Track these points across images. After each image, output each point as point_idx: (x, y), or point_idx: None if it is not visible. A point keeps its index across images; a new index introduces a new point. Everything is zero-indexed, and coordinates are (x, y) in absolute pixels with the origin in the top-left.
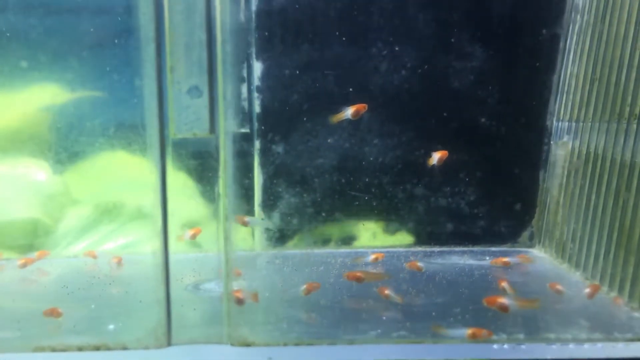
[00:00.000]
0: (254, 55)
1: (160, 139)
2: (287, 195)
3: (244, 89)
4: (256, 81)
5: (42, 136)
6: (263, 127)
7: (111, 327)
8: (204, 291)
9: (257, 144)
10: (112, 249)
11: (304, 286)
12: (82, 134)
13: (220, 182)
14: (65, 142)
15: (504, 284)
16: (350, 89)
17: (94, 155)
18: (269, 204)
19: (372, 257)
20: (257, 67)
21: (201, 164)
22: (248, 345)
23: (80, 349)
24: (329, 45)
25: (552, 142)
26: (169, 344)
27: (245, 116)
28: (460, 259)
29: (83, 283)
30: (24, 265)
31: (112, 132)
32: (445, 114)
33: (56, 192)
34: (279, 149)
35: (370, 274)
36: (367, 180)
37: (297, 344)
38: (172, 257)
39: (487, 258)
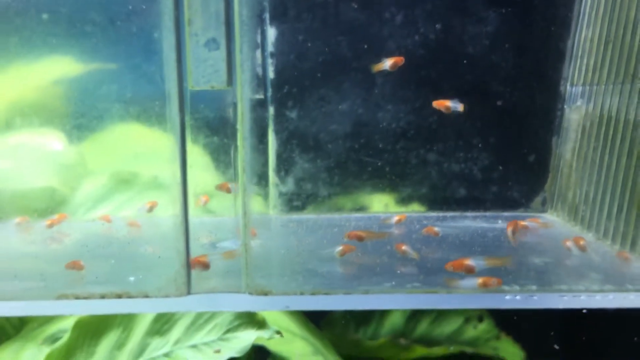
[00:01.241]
0: (267, 21)
1: (179, 91)
2: (301, 161)
3: (258, 54)
4: (270, 47)
5: (58, 107)
6: (277, 93)
7: (131, 279)
8: (220, 249)
9: (271, 110)
10: (127, 216)
11: (340, 247)
12: (96, 105)
13: (239, 134)
14: (80, 114)
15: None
16: (363, 55)
17: (109, 126)
18: (283, 170)
19: (397, 218)
20: (271, 33)
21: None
22: (266, 294)
23: (103, 296)
24: (342, 11)
25: (565, 107)
26: (189, 292)
27: (259, 82)
28: (473, 222)
29: (102, 243)
30: (50, 226)
31: (126, 103)
32: (458, 80)
33: (72, 162)
34: (293, 114)
35: (371, 233)
36: (380, 145)
37: (313, 294)
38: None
39: (500, 222)
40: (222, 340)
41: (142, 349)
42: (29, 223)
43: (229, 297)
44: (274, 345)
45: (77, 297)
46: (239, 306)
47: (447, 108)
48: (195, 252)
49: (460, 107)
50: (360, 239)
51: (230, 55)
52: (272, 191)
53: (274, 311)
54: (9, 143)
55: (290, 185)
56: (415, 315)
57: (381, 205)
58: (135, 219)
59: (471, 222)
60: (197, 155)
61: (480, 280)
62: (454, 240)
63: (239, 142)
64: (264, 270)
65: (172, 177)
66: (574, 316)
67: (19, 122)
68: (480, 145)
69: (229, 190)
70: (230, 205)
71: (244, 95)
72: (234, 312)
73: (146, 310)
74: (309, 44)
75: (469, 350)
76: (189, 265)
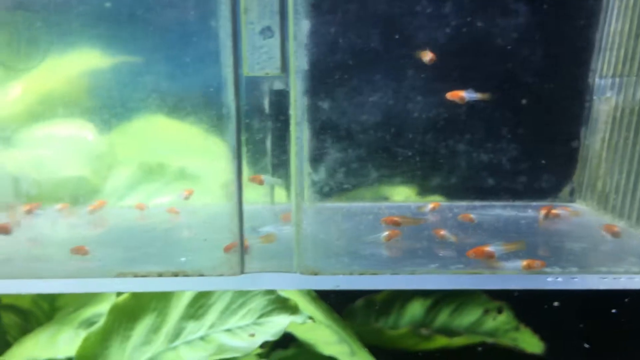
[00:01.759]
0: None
1: (235, 77)
2: (333, 151)
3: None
4: (304, 38)
5: (88, 99)
6: (310, 84)
7: (183, 259)
8: (262, 233)
9: (304, 100)
10: (163, 203)
11: (386, 233)
12: (124, 97)
13: (292, 120)
14: (109, 105)
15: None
16: (394, 47)
17: (137, 117)
18: (315, 159)
19: (431, 206)
20: (305, 24)
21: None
22: (316, 274)
23: (160, 275)
24: (374, 3)
25: (594, 98)
26: (242, 272)
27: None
28: (504, 211)
29: (144, 227)
30: (92, 212)
31: (153, 96)
32: (488, 72)
33: (102, 152)
34: (325, 105)
35: (407, 219)
36: (410, 136)
37: (361, 274)
38: (224, 208)
39: (530, 211)
40: (256, 325)
41: (177, 333)
42: (70, 209)
43: (280, 277)
44: (301, 332)
45: (135, 275)
46: (290, 284)
47: (462, 98)
48: (229, 237)
49: (477, 96)
50: (396, 224)
51: (285, 42)
52: (306, 180)
53: (300, 299)
54: (42, 133)
55: (322, 174)
56: (435, 306)
57: (410, 194)
58: (173, 206)
59: (502, 210)
60: (215, 145)
61: (524, 262)
62: (488, 227)
63: (292, 128)
64: (312, 252)
65: (226, 163)
66: (594, 308)
67: (50, 113)
68: (509, 136)
69: (261, 182)
70: (263, 194)
71: (297, 81)
72: (267, 298)
73: (201, 288)
74: (341, 36)
75: (489, 340)
76: (242, 246)
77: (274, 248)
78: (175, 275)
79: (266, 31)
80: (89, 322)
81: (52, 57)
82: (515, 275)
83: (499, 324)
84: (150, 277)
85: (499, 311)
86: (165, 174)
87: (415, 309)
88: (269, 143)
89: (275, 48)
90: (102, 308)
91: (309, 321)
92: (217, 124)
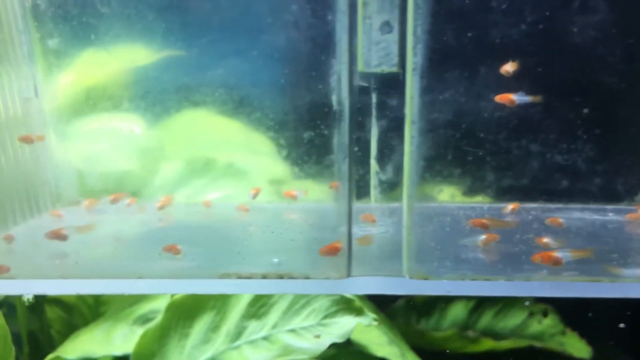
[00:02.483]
0: None
1: (350, 73)
2: (401, 149)
3: None
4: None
5: (134, 92)
6: (379, 81)
7: (275, 260)
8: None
9: (373, 97)
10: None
11: (484, 236)
12: (170, 91)
13: (406, 119)
14: (155, 99)
15: None
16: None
17: (185, 112)
18: (383, 157)
19: (511, 207)
20: (425, 19)
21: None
22: (426, 278)
23: (264, 276)
24: None
25: None
26: (349, 275)
27: None
28: (582, 214)
29: (221, 225)
30: (161, 208)
31: (199, 91)
32: (564, 70)
33: (150, 146)
34: (394, 102)
35: (495, 221)
36: (481, 135)
37: (473, 279)
38: (295, 206)
39: (610, 214)
40: (320, 326)
41: (239, 332)
42: (139, 205)
43: (389, 281)
44: (354, 332)
45: (239, 277)
46: (399, 289)
47: (512, 101)
48: (317, 237)
49: (528, 98)
50: (485, 226)
51: (404, 38)
52: (373, 179)
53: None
54: (91, 126)
55: (389, 173)
56: (477, 308)
57: (455, 194)
58: (244, 204)
59: (579, 213)
60: (260, 142)
61: None
62: (579, 232)
63: (407, 127)
64: (419, 256)
65: (338, 161)
66: None
67: (96, 106)
68: (584, 137)
69: (294, 197)
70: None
71: (414, 78)
72: (330, 298)
73: (306, 291)
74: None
75: (537, 344)
76: (350, 249)
77: (372, 250)
78: (281, 277)
79: (385, 26)
80: (145, 319)
81: (98, 50)
82: (636, 284)
83: (544, 327)
84: (254, 279)
85: (544, 314)
86: (213, 169)
87: (458, 311)
88: (335, 141)
89: (393, 44)
90: (158, 304)
91: (375, 323)
92: (282, 119)
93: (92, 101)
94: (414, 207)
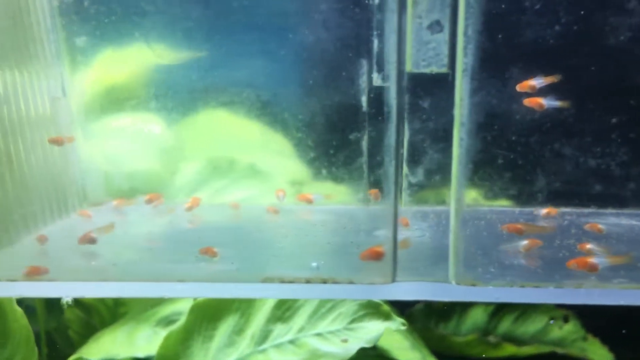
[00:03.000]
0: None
1: (398, 73)
2: (431, 152)
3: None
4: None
5: (154, 92)
6: (411, 83)
7: (314, 264)
8: (378, 237)
9: (406, 99)
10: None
11: (525, 242)
12: (189, 92)
13: (455, 121)
14: (175, 99)
15: None
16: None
17: (204, 112)
18: (414, 160)
19: (545, 211)
20: (477, 18)
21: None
22: (474, 284)
23: (308, 281)
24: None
25: None
26: (394, 280)
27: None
28: (617, 219)
29: (252, 227)
30: (190, 209)
31: (218, 91)
32: (599, 72)
33: (171, 146)
34: (426, 104)
35: (532, 227)
36: (514, 138)
37: (522, 286)
38: (322, 208)
39: None
40: (348, 330)
41: (265, 335)
42: (167, 205)
43: (436, 287)
44: None
45: (282, 281)
46: (446, 295)
47: (541, 106)
48: (353, 240)
49: (557, 103)
50: (520, 232)
51: (454, 38)
52: (404, 182)
53: None
54: (111, 125)
55: (419, 176)
56: (497, 313)
57: (477, 197)
58: (272, 206)
59: (615, 219)
60: (276, 142)
61: None
62: (619, 238)
63: (455, 129)
64: (464, 261)
65: (388, 164)
66: None
67: (116, 105)
68: (619, 140)
69: (310, 202)
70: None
71: (464, 79)
72: (357, 302)
73: (349, 296)
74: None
75: (559, 350)
76: (395, 253)
77: (411, 254)
78: (324, 282)
79: (435, 25)
80: (168, 320)
81: (116, 49)
82: None
83: (565, 333)
84: (297, 284)
85: (565, 320)
86: (234, 170)
87: (477, 315)
88: (364, 143)
89: (443, 44)
90: (181, 306)
91: (403, 328)
92: (309, 121)
93: (112, 101)
94: (461, 211)
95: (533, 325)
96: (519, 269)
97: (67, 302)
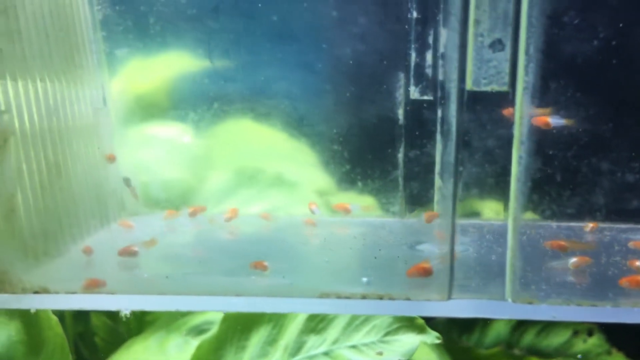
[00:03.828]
0: (441, 22)
1: (459, 91)
2: (467, 164)
3: (429, 55)
4: (442, 48)
5: (181, 101)
6: (445, 95)
7: (364, 279)
8: (423, 252)
9: (439, 112)
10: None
11: (574, 259)
12: (217, 101)
13: (515, 140)
14: (202, 108)
15: None
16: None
17: (229, 121)
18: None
19: (591, 225)
20: (444, 34)
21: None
22: (530, 302)
23: (364, 297)
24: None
25: None
26: (449, 297)
27: (428, 83)
28: None
29: (293, 239)
30: (228, 220)
31: (246, 101)
32: (635, 86)
33: (200, 155)
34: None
35: (575, 243)
36: (550, 152)
37: (579, 304)
38: (357, 221)
39: None
40: (382, 343)
41: (298, 347)
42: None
43: (492, 304)
44: None
45: (338, 297)
46: (503, 313)
47: (547, 124)
48: (399, 255)
49: (563, 121)
50: (563, 249)
51: (516, 56)
52: (436, 195)
53: None
54: (142, 134)
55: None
56: (520, 326)
57: (499, 210)
58: (310, 217)
59: None
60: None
61: None
62: None
63: (514, 147)
64: (519, 279)
65: (447, 181)
66: None
67: (145, 114)
68: None
69: (347, 211)
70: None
71: (524, 98)
72: (391, 315)
73: (406, 312)
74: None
75: None
76: (452, 269)
77: (459, 270)
78: (380, 298)
79: (496, 44)
80: (199, 330)
81: (144, 58)
82: None
83: (589, 346)
84: (353, 299)
85: (590, 333)
86: (261, 180)
87: (500, 327)
88: (400, 155)
89: (505, 62)
90: (212, 316)
91: (437, 341)
92: (345, 133)
93: (141, 109)
94: (518, 229)
95: (557, 339)
96: (571, 286)
97: (125, 315)
